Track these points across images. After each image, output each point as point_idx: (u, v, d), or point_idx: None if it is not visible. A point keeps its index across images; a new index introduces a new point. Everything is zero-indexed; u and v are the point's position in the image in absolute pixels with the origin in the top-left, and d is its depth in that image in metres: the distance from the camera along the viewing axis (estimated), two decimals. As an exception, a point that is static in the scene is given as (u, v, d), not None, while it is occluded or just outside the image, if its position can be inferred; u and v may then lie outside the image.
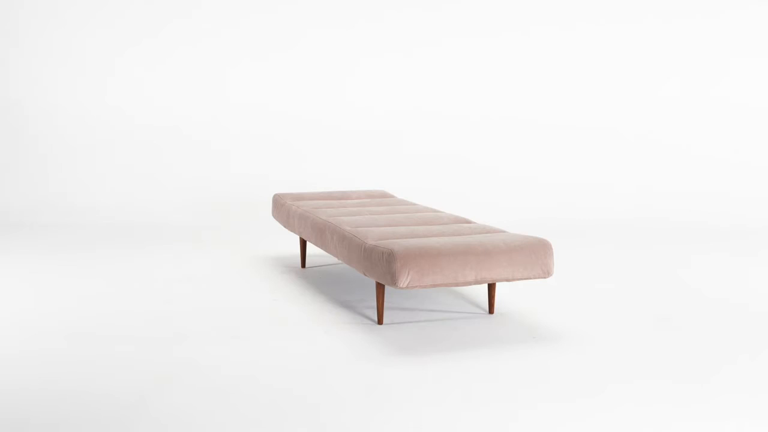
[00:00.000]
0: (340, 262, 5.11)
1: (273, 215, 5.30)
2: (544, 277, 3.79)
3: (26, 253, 5.43)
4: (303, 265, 5.05)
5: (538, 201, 6.95)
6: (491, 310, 4.07)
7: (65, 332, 3.64)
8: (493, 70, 7.20)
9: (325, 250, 4.30)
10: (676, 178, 7.07)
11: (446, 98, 7.20)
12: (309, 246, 5.45)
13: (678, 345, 3.61)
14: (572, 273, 4.96)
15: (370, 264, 3.69)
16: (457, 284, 3.61)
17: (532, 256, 3.71)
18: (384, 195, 5.37)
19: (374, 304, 4.19)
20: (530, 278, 3.72)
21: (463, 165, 7.13)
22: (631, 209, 6.89)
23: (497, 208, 6.72)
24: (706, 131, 7.17)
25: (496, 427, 2.70)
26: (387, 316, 3.97)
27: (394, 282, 3.54)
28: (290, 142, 7.04)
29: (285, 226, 5.03)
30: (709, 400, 2.94)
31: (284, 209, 5.00)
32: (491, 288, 4.03)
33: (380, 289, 3.84)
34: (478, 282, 3.63)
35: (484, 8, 7.16)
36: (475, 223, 4.34)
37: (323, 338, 3.64)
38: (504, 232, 4.05)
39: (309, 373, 3.16)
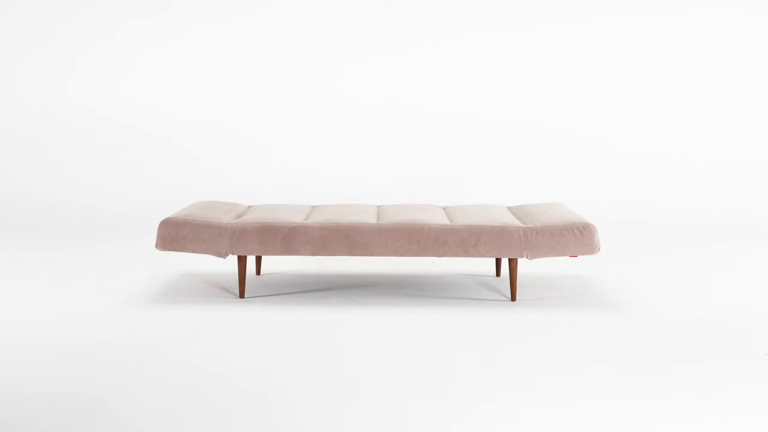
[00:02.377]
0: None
1: (170, 246, 3.98)
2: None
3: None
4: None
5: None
6: (498, 273, 4.58)
7: (27, 332, 3.54)
8: (473, 68, 6.81)
9: (420, 254, 3.94)
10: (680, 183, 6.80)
11: (420, 96, 6.87)
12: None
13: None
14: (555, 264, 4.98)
15: (553, 243, 3.89)
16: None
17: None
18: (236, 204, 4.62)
19: (358, 299, 4.10)
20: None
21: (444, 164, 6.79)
22: (620, 212, 6.47)
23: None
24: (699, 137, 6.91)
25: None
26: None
27: (596, 249, 3.93)
28: (261, 140, 6.89)
29: (258, 253, 4.01)
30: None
31: (261, 231, 3.95)
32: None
33: (515, 265, 3.97)
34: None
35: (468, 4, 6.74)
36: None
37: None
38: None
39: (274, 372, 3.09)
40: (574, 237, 3.88)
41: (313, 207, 4.53)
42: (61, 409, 2.69)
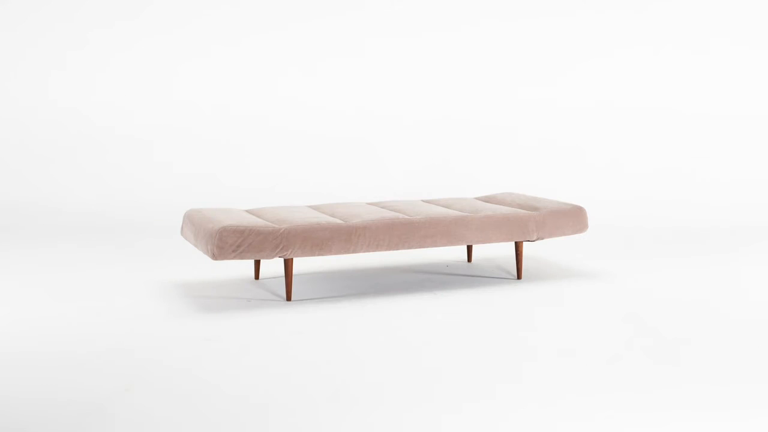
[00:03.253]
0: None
1: (228, 255, 3.97)
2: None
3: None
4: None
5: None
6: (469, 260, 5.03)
7: (22, 337, 3.50)
8: (473, 68, 6.97)
9: (422, 246, 4.27)
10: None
11: (418, 96, 7.00)
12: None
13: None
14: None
15: (558, 223, 4.50)
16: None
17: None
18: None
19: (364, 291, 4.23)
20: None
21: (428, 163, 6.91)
22: (620, 212, 6.49)
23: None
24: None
25: None
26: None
27: (584, 228, 4.62)
28: (240, 144, 6.97)
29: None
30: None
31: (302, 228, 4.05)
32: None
33: (521, 247, 4.54)
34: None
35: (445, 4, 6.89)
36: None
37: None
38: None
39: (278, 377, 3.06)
40: (571, 219, 4.53)
41: (315, 207, 4.66)
42: (62, 414, 2.67)
